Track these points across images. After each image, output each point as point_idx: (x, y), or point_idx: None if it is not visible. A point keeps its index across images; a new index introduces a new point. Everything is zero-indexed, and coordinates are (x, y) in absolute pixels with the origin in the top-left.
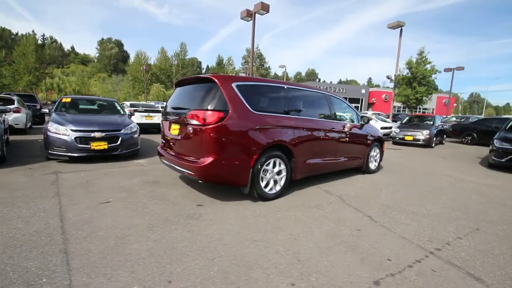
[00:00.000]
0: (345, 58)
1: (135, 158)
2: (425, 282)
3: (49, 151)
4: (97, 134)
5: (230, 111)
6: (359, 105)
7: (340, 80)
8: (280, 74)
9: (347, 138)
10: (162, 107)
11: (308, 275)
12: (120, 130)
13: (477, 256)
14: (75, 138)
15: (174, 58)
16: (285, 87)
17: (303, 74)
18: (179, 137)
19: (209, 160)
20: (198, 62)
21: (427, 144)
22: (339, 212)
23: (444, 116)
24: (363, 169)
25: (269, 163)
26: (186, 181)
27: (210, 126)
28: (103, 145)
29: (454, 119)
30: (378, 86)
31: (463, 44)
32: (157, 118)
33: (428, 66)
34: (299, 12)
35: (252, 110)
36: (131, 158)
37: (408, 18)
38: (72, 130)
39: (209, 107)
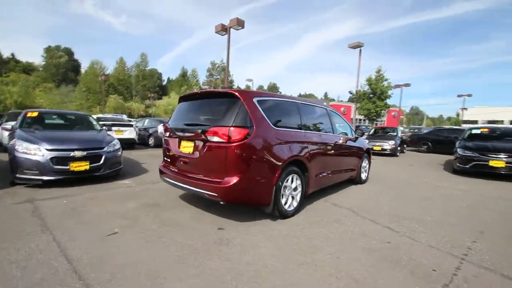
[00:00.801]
0: (303, 73)
1: (118, 179)
2: None
3: (17, 175)
4: (78, 153)
5: (254, 128)
6: None
7: (300, 93)
8: (242, 87)
9: (346, 151)
10: (129, 120)
11: None
12: (102, 148)
13: (498, 257)
14: (51, 158)
15: (133, 69)
16: (297, 102)
17: (265, 87)
18: (194, 155)
19: (234, 180)
20: (159, 73)
21: (393, 153)
22: (359, 225)
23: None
24: (356, 180)
25: (287, 180)
26: (187, 201)
27: (235, 144)
28: (84, 166)
29: (408, 130)
30: (333, 100)
31: (407, 63)
32: (128, 133)
33: (385, 83)
34: (260, 29)
35: (272, 126)
36: (113, 178)
37: (361, 38)
38: (47, 149)
39: (233, 124)
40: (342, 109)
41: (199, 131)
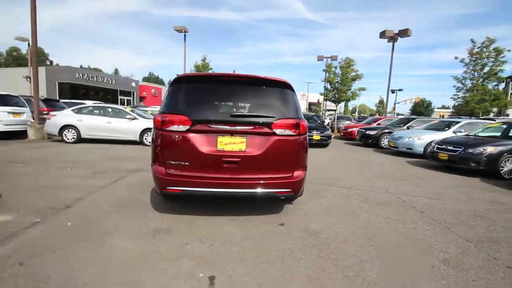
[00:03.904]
0: (84, 42)
1: None
2: (429, 208)
3: None
4: None
5: (303, 119)
6: (131, 98)
7: (81, 66)
8: None
9: None
10: None
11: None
12: None
13: (403, 190)
14: None
15: None
16: None
17: (23, 50)
18: (250, 153)
19: (302, 172)
20: None
21: None
22: (335, 191)
23: None
24: None
25: None
26: (185, 212)
27: (303, 136)
28: None
29: None
30: (127, 77)
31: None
32: None
33: (211, 71)
34: None
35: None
36: None
37: (146, 16)
38: None
39: (298, 116)
40: (152, 90)
41: (260, 124)
